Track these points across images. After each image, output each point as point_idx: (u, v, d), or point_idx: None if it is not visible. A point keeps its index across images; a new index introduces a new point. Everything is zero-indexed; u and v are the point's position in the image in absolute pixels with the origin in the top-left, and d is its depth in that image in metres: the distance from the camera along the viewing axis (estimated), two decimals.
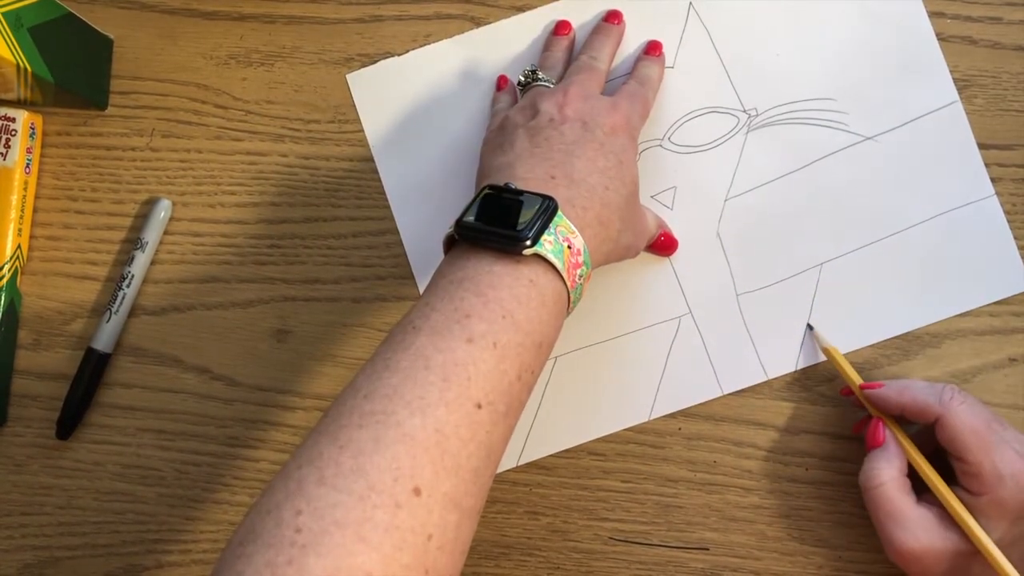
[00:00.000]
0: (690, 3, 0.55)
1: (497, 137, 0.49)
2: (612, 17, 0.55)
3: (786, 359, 0.54)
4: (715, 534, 0.54)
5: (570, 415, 0.54)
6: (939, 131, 0.54)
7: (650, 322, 0.55)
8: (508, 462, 0.54)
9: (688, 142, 0.55)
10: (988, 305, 0.54)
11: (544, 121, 0.47)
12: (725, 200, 0.55)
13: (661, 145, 0.55)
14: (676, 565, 0.54)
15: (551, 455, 0.54)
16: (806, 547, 0.54)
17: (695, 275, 0.55)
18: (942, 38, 0.55)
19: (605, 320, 0.55)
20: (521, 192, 0.42)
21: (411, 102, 0.56)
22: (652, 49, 0.55)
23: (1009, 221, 0.54)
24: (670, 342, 0.54)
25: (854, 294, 0.54)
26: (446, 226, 0.53)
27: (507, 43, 0.56)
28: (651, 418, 0.54)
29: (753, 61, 0.55)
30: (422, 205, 0.56)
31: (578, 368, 0.54)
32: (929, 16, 0.55)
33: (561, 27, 0.55)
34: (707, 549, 0.54)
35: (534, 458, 0.54)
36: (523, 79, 0.52)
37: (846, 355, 0.54)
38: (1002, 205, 0.54)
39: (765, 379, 0.54)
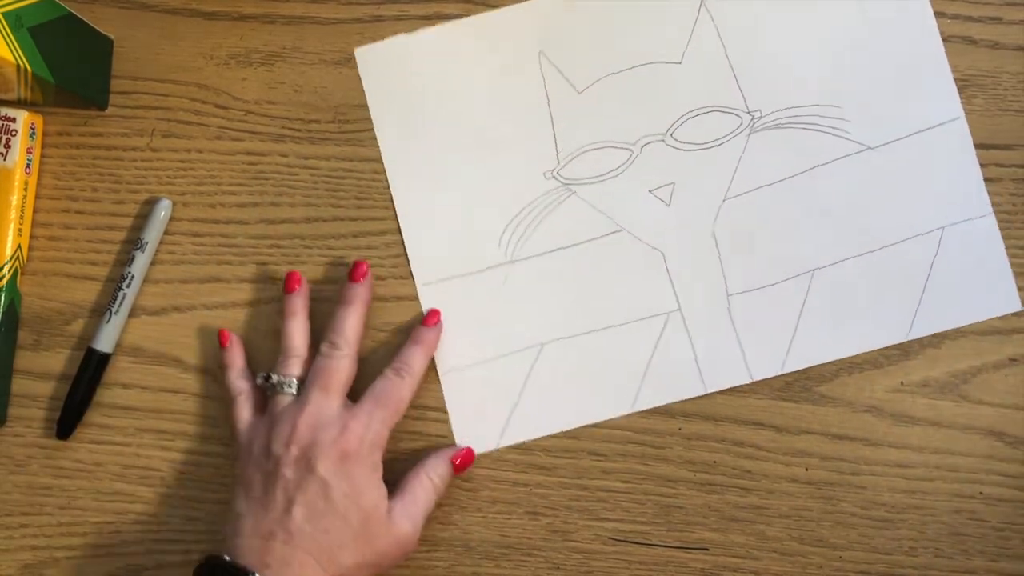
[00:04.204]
0: (701, 1, 0.55)
1: (246, 468, 0.50)
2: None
3: (772, 362, 0.54)
4: (715, 534, 0.54)
5: (552, 402, 0.54)
6: (941, 146, 0.54)
7: (639, 316, 0.55)
8: (489, 443, 0.54)
9: (690, 139, 0.55)
10: None
11: (273, 464, 0.49)
12: (723, 200, 0.55)
13: (663, 140, 0.55)
14: (676, 565, 0.54)
15: (550, 455, 0.54)
16: (806, 547, 0.54)
17: (687, 272, 0.55)
18: (942, 38, 0.55)
19: (594, 310, 0.55)
20: (227, 568, 0.46)
21: (418, 79, 0.56)
22: (428, 319, 0.54)
23: (1009, 222, 0.54)
24: (657, 337, 0.54)
25: (844, 303, 0.54)
26: (447, 210, 0.55)
27: (518, 27, 0.56)
28: (632, 411, 0.54)
29: (761, 63, 0.55)
30: (422, 182, 0.55)
31: (564, 356, 0.55)
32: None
33: (291, 281, 0.53)
34: (707, 549, 0.54)
35: (513, 442, 0.54)
36: (260, 382, 0.52)
37: (829, 363, 0.54)
38: (1002, 206, 0.54)
39: (750, 380, 0.54)
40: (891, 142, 0.54)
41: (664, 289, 0.55)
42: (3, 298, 0.55)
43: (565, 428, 0.54)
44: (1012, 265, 0.54)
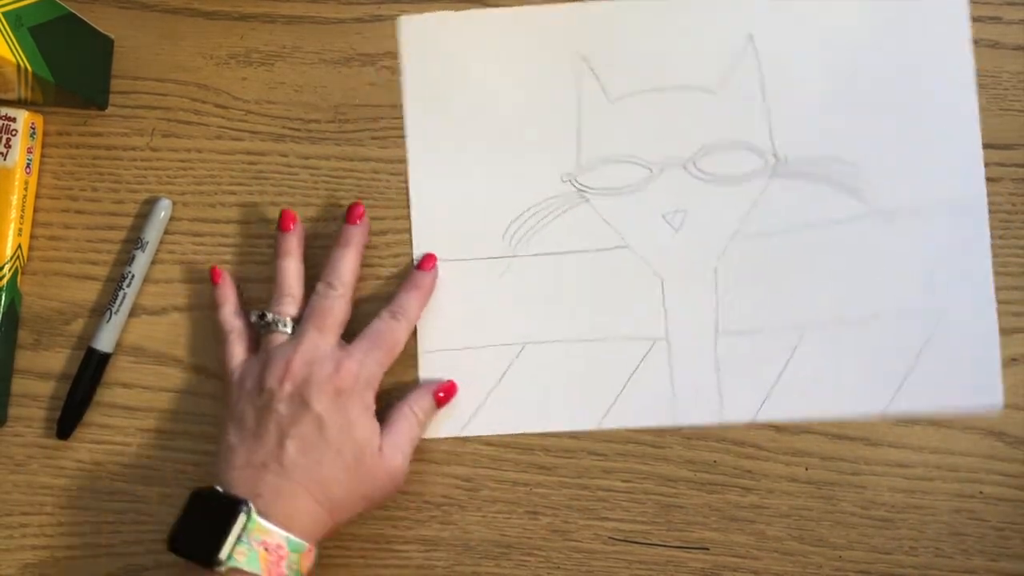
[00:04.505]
0: (751, 35, 0.55)
1: (237, 403, 0.50)
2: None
3: (747, 408, 0.54)
4: (715, 534, 0.54)
5: (522, 402, 0.55)
6: (958, 227, 0.54)
7: (625, 335, 0.54)
8: (452, 430, 0.54)
9: (711, 171, 0.55)
10: None
11: (266, 399, 0.49)
12: (731, 237, 0.55)
13: (684, 167, 0.55)
14: (676, 565, 0.54)
15: (550, 455, 0.54)
16: (806, 547, 0.54)
17: (681, 303, 0.54)
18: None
19: (582, 320, 0.55)
20: (219, 498, 0.46)
21: (456, 58, 0.56)
22: (424, 263, 0.54)
23: (1009, 222, 0.54)
24: (639, 360, 0.54)
25: (830, 365, 0.54)
26: (459, 190, 0.55)
27: (565, 26, 0.55)
28: (599, 428, 0.54)
29: (796, 109, 0.54)
30: (440, 158, 0.55)
31: (544, 359, 0.55)
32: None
33: (286, 220, 0.54)
34: (707, 549, 0.54)
35: (476, 434, 0.54)
36: (255, 319, 0.52)
37: (802, 422, 0.53)
38: (1002, 205, 0.54)
39: (720, 422, 0.54)
40: (909, 214, 0.54)
41: (656, 314, 0.54)
42: (3, 298, 0.55)
43: (529, 431, 0.54)
44: (1012, 265, 0.54)
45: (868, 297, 0.54)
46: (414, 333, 0.54)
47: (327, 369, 0.49)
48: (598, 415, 0.54)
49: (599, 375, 0.54)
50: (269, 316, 0.52)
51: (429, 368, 0.55)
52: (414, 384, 0.54)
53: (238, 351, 0.52)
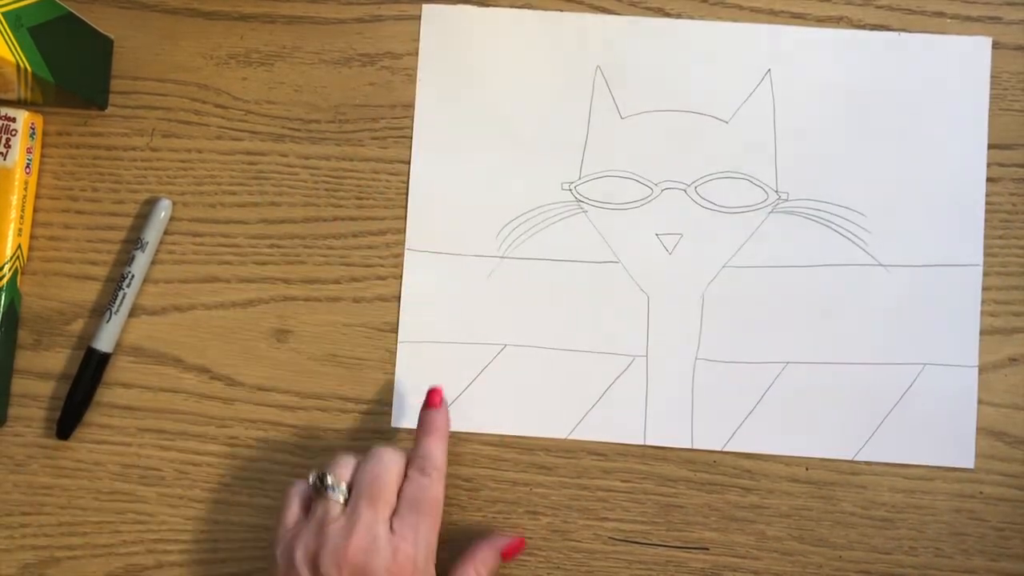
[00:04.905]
0: (769, 69, 0.55)
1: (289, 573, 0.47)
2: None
3: (716, 437, 0.54)
4: (715, 534, 0.54)
5: (494, 403, 0.54)
6: (950, 286, 0.54)
7: (605, 350, 0.54)
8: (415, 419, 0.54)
9: (711, 198, 0.55)
10: (988, 304, 0.54)
11: None
12: (723, 266, 0.55)
13: (685, 190, 0.55)
14: (676, 565, 0.54)
15: (550, 455, 0.54)
16: (806, 547, 0.54)
17: (665, 324, 0.54)
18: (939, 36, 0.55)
19: (564, 330, 0.55)
20: None
21: (475, 53, 0.56)
22: (431, 401, 0.52)
23: (1009, 222, 0.54)
24: (616, 376, 0.54)
25: (805, 404, 0.54)
26: (459, 185, 0.55)
27: (588, 35, 0.55)
28: (568, 437, 0.54)
29: (805, 148, 0.54)
30: (445, 150, 0.55)
31: (521, 363, 0.55)
32: (930, 15, 0.55)
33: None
34: (707, 549, 0.54)
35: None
36: (310, 479, 0.49)
37: (778, 456, 0.53)
38: (1002, 205, 0.54)
39: (690, 447, 0.54)
40: (904, 266, 0.54)
41: (638, 333, 0.54)
42: (3, 298, 0.55)
43: (498, 432, 0.54)
44: (1012, 265, 0.54)
45: (853, 342, 0.54)
46: (394, 325, 0.54)
47: (384, 558, 0.46)
48: (569, 425, 0.54)
49: (575, 385, 0.54)
50: (327, 480, 0.49)
51: (404, 357, 0.55)
52: (480, 538, 0.52)
53: (295, 502, 0.50)
